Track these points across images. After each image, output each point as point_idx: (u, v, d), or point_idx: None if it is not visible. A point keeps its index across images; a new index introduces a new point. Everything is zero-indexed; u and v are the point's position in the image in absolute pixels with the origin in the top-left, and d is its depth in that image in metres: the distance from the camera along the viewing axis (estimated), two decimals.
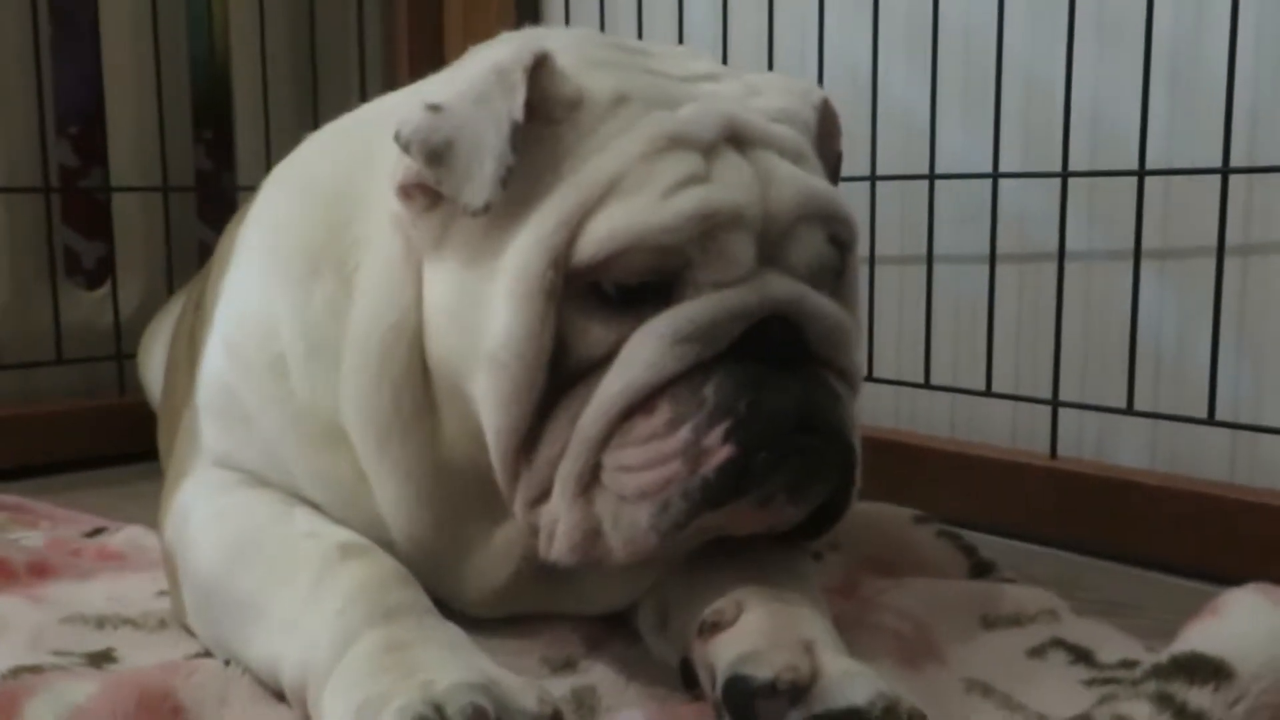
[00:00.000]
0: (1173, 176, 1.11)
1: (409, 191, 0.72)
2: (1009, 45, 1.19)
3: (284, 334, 0.78)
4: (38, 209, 1.49)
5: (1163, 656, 0.65)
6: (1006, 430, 1.28)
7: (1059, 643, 0.84)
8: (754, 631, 0.67)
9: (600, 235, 0.67)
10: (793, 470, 0.67)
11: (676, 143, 0.69)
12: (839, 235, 0.73)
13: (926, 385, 1.28)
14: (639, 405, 0.67)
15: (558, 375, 0.69)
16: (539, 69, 0.69)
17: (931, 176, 1.25)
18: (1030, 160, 1.23)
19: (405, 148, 0.69)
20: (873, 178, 1.28)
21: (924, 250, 1.27)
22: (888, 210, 1.31)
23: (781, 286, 0.69)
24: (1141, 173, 1.09)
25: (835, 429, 0.69)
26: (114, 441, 1.48)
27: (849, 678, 0.62)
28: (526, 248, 0.68)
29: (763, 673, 0.62)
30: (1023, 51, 1.22)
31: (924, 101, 1.26)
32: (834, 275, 0.73)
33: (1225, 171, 1.03)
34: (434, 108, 0.69)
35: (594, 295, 0.68)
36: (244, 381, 0.80)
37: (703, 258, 0.67)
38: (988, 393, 1.23)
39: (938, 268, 1.27)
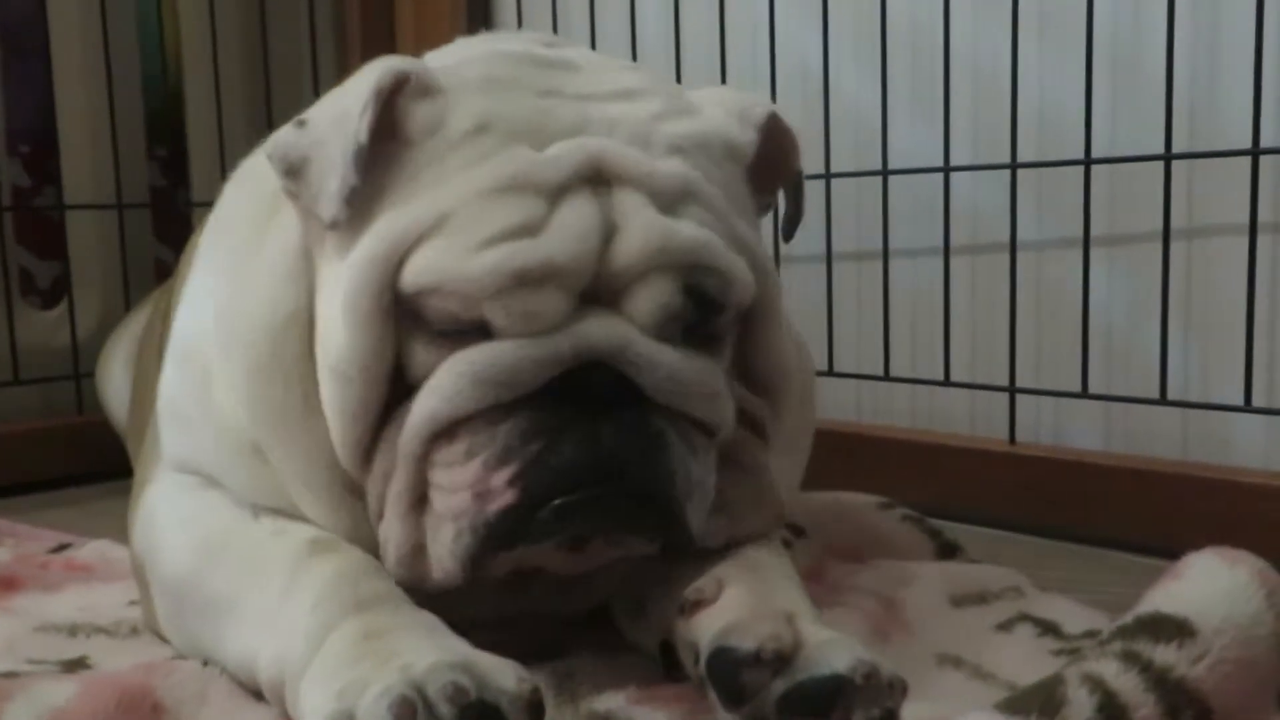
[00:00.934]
0: (1118, 165, 1.14)
1: (292, 196, 0.74)
2: (955, 41, 1.22)
3: (211, 335, 0.78)
4: None
5: (1127, 618, 0.67)
6: (965, 419, 1.31)
7: (1025, 617, 0.86)
8: (736, 605, 0.68)
9: (415, 268, 0.68)
10: (589, 520, 0.68)
11: (519, 186, 0.68)
12: (702, 287, 0.70)
13: (886, 377, 1.30)
14: (442, 433, 0.68)
15: (398, 389, 0.70)
16: (398, 91, 0.71)
17: (885, 172, 1.27)
18: (980, 153, 1.25)
19: (269, 160, 0.73)
20: (827, 175, 1.31)
21: (879, 246, 1.29)
22: (843, 207, 1.33)
23: (601, 332, 0.68)
24: (1088, 161, 1.11)
25: (647, 479, 0.68)
26: (73, 461, 1.47)
27: (831, 646, 0.63)
28: (359, 264, 0.69)
29: (747, 643, 0.63)
30: (969, 47, 1.25)
31: (875, 99, 1.28)
32: (688, 328, 0.71)
33: (1168, 158, 1.06)
34: (300, 123, 0.73)
35: (419, 321, 0.69)
36: (183, 389, 0.81)
37: (501, 316, 0.67)
38: (946, 382, 1.25)
39: (893, 262, 1.29)
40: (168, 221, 1.68)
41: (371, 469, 0.71)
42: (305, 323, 0.74)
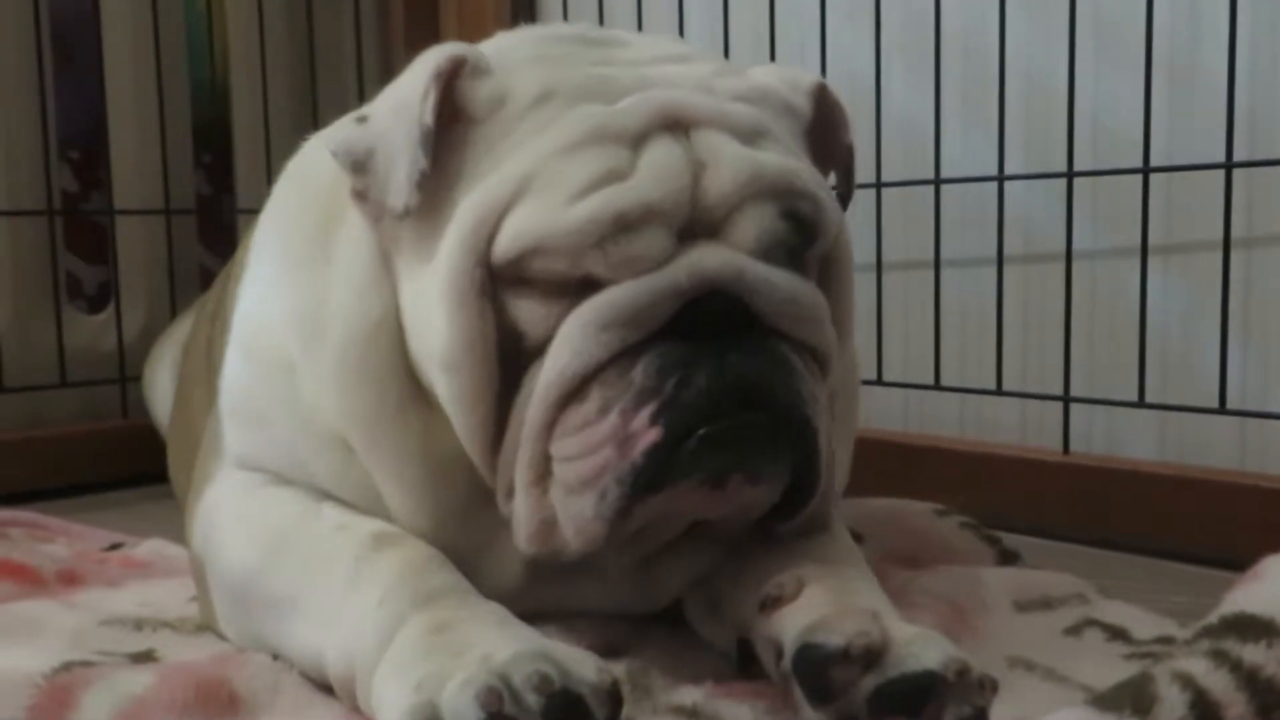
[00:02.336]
0: (1175, 173, 1.13)
1: (360, 196, 0.74)
2: (1010, 47, 1.21)
3: (287, 332, 0.78)
4: (39, 234, 1.49)
5: (1212, 619, 0.66)
6: (1016, 429, 1.30)
7: (1093, 622, 0.85)
8: (819, 603, 0.68)
9: (511, 233, 0.68)
10: (737, 450, 0.67)
11: (598, 138, 0.69)
12: (798, 211, 0.70)
13: (936, 386, 1.29)
14: (573, 393, 0.67)
15: (516, 364, 0.69)
16: (456, 73, 0.71)
17: (938, 181, 1.27)
18: (1033, 162, 1.25)
19: (334, 158, 0.72)
20: (878, 184, 1.30)
21: (930, 255, 1.29)
22: (893, 216, 1.33)
23: (715, 260, 0.67)
24: (1146, 170, 1.11)
25: (787, 404, 0.67)
26: (118, 465, 1.48)
27: (921, 642, 0.63)
28: (451, 249, 0.69)
29: (835, 640, 0.62)
30: (1023, 53, 1.25)
31: (926, 107, 1.28)
32: (791, 252, 0.71)
33: (1229, 166, 1.06)
34: (360, 119, 0.73)
35: (526, 285, 0.69)
36: (258, 383, 0.80)
37: (606, 262, 0.67)
38: (999, 391, 1.24)
39: (944, 271, 1.29)
40: (213, 228, 1.69)
41: (501, 450, 0.70)
42: (393, 327, 0.74)
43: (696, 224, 0.68)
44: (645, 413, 0.65)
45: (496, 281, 0.69)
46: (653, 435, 0.65)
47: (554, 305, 0.68)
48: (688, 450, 0.65)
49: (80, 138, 1.62)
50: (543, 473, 0.68)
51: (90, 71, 1.56)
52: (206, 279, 1.57)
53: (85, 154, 1.63)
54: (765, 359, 0.67)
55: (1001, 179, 1.22)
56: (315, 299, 0.77)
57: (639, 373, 0.66)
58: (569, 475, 0.67)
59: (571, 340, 0.67)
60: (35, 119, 1.47)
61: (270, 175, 1.64)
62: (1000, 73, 1.21)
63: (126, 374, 1.53)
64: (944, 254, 1.29)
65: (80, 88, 1.60)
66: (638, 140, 0.69)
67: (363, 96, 1.74)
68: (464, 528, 0.75)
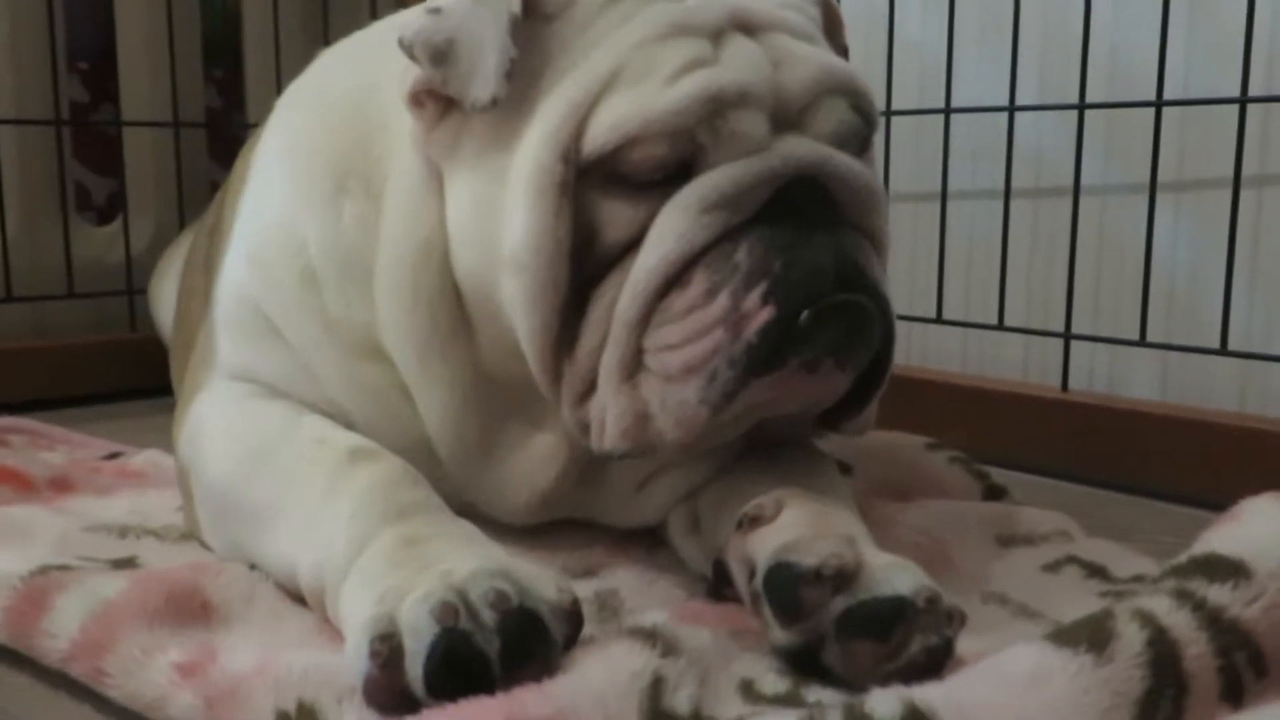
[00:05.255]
0: (1189, 109, 1.11)
1: (419, 99, 0.73)
2: None
3: (313, 249, 0.78)
4: (48, 144, 1.48)
5: (1181, 558, 0.66)
6: (1018, 365, 1.29)
7: (1073, 559, 0.84)
8: (796, 524, 0.68)
9: (606, 124, 0.67)
10: (838, 328, 0.67)
11: (679, 30, 0.69)
12: (863, 107, 0.73)
13: (939, 320, 1.28)
14: (674, 279, 0.67)
15: (590, 267, 0.69)
16: None
17: (948, 110, 1.25)
18: (1047, 94, 1.22)
19: (409, 51, 0.70)
20: (888, 112, 1.28)
21: (938, 186, 1.27)
22: (903, 146, 1.31)
23: (804, 148, 0.69)
24: (1159, 103, 1.08)
25: (874, 285, 0.69)
26: (124, 376, 1.49)
27: (894, 568, 0.63)
28: (534, 145, 0.68)
29: (808, 560, 0.62)
30: None
31: (940, 35, 1.25)
32: (861, 144, 0.73)
33: (1244, 101, 1.03)
34: (434, 10, 0.71)
35: (615, 181, 0.68)
36: (270, 293, 0.80)
37: (713, 140, 0.67)
38: (1000, 326, 1.23)
39: (951, 203, 1.27)
40: (223, 142, 1.68)
41: (576, 351, 0.70)
42: (441, 247, 0.74)
43: (780, 115, 0.69)
44: (756, 293, 0.66)
45: (580, 179, 0.68)
46: (766, 314, 0.65)
47: (642, 202, 0.68)
48: (798, 329, 0.66)
49: (89, 48, 1.62)
50: (634, 368, 0.68)
51: None
52: (215, 193, 1.57)
53: (94, 65, 1.62)
54: (850, 243, 0.68)
55: (1012, 109, 1.19)
56: (356, 227, 0.77)
57: (744, 254, 0.66)
58: (671, 363, 0.67)
59: (673, 225, 0.67)
60: (44, 29, 1.46)
61: (280, 91, 1.63)
62: (1015, 1, 1.18)
63: (134, 286, 1.54)
64: (952, 186, 1.27)
65: None
66: (716, 35, 0.70)
67: (375, 8, 1.72)
68: (501, 439, 0.77)
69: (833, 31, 0.80)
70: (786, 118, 0.70)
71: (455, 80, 0.70)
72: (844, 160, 0.70)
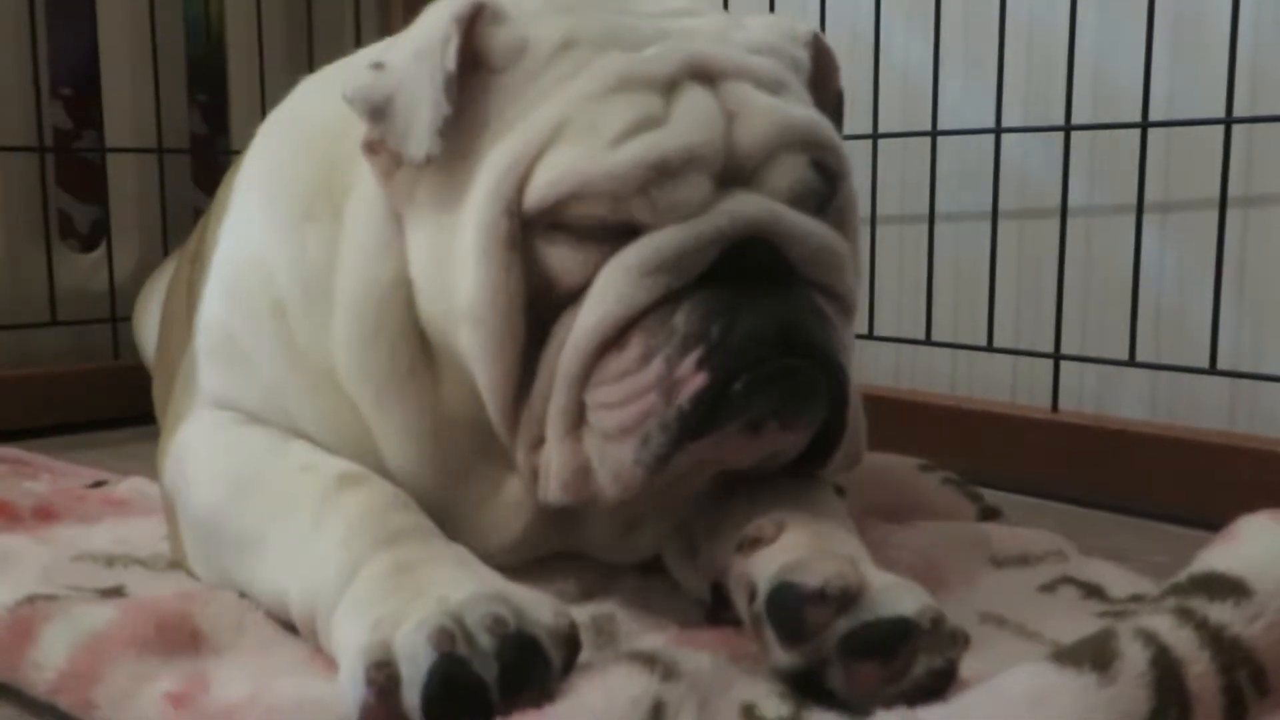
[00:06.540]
0: (1174, 130, 1.11)
1: (373, 148, 0.72)
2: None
3: (281, 278, 0.78)
4: (31, 171, 1.47)
5: (1181, 577, 0.66)
6: (1007, 386, 1.29)
7: (1069, 580, 0.84)
8: (797, 545, 0.67)
9: (545, 181, 0.67)
10: (777, 394, 0.66)
11: (629, 83, 0.68)
12: (825, 162, 0.71)
13: (928, 341, 1.28)
14: (612, 340, 0.66)
15: (547, 313, 0.69)
16: (476, 19, 0.70)
17: (934, 133, 1.25)
18: (1032, 116, 1.23)
19: (351, 105, 0.71)
20: (874, 135, 1.29)
21: (925, 209, 1.27)
22: (889, 168, 1.31)
23: (754, 207, 0.67)
24: (1145, 124, 1.09)
25: (821, 349, 0.67)
26: (108, 404, 1.48)
27: (897, 589, 0.62)
28: (479, 201, 0.68)
29: (811, 580, 0.61)
30: (1024, 5, 1.23)
31: (925, 58, 1.26)
32: (820, 201, 0.71)
33: (1229, 121, 1.04)
34: (377, 65, 0.71)
35: (561, 229, 0.68)
36: (243, 324, 0.80)
37: (650, 210, 0.66)
38: (989, 348, 1.23)
39: (938, 225, 1.27)
40: (207, 168, 1.68)
41: (527, 401, 0.69)
42: (404, 288, 0.73)
43: (731, 173, 0.68)
44: (690, 359, 0.65)
45: (527, 230, 0.68)
46: (699, 381, 0.65)
47: (590, 252, 0.67)
48: (733, 395, 0.65)
49: (73, 74, 1.61)
50: (577, 421, 0.68)
51: (84, 7, 1.54)
52: (199, 219, 1.56)
53: (78, 91, 1.62)
54: (801, 305, 0.67)
55: (999, 131, 1.20)
56: (320, 254, 0.76)
57: (682, 319, 0.65)
58: (608, 423, 0.66)
59: (614, 285, 0.66)
60: (27, 56, 1.45)
61: (264, 116, 1.63)
62: (1000, 22, 1.19)
63: (118, 314, 1.53)
64: (939, 208, 1.27)
65: (73, 24, 1.58)
66: (668, 88, 0.68)
67: (359, 36, 1.72)
68: (465, 487, 0.76)
69: (825, 76, 0.79)
70: (739, 174, 0.68)
71: (393, 136, 0.70)
72: (796, 219, 0.68)
